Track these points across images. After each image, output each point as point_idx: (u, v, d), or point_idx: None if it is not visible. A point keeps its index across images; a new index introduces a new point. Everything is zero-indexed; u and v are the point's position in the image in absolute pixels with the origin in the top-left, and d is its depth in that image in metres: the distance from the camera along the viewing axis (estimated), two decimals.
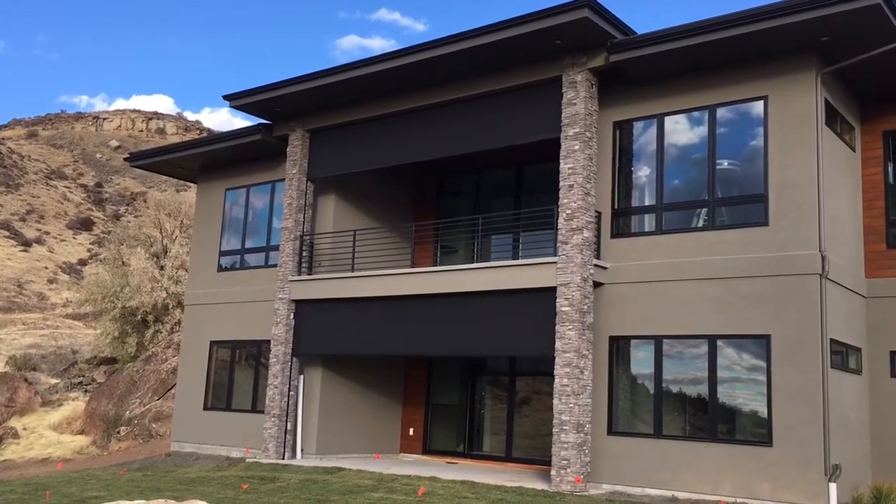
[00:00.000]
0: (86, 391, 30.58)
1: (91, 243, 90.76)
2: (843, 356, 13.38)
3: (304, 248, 18.57)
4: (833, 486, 11.97)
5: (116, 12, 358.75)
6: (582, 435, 13.77)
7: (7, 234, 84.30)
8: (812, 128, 12.91)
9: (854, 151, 14.66)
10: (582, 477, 13.52)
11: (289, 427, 17.93)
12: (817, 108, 12.92)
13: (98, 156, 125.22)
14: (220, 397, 20.33)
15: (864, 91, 14.57)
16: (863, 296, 14.28)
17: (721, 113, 13.92)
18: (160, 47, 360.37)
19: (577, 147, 14.41)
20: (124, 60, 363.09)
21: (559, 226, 14.37)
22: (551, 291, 14.25)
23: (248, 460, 17.61)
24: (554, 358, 14.07)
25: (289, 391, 18.03)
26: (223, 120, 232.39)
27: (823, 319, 12.41)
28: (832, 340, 12.74)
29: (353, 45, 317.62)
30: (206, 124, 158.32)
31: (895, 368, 14.03)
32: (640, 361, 14.21)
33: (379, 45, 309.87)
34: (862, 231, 14.59)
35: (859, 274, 14.29)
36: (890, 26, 12.11)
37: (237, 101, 18.44)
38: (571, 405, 13.73)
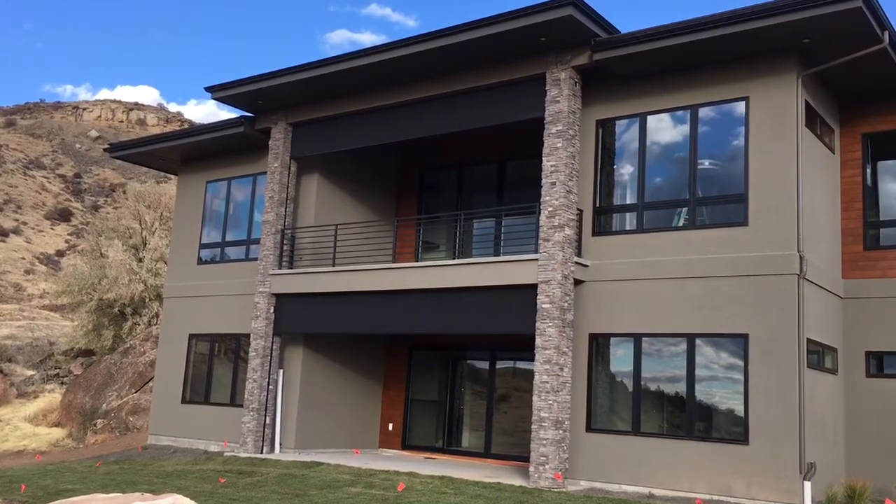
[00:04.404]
0: (62, 383, 30.31)
1: (69, 234, 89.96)
2: (819, 356, 13.51)
3: (285, 241, 18.50)
4: (808, 485, 12.10)
5: (105, 3, 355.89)
6: (561, 432, 13.82)
7: None
8: (792, 129, 13.01)
9: (833, 153, 14.80)
10: (560, 473, 13.57)
11: (267, 421, 17.87)
12: (798, 110, 13.03)
13: (77, 146, 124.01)
14: (198, 391, 20.23)
15: (843, 93, 14.70)
16: (839, 296, 14.42)
17: (703, 113, 14.01)
18: (148, 39, 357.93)
19: (559, 144, 14.45)
20: (111, 52, 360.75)
21: (541, 223, 14.40)
22: (532, 288, 14.28)
23: (226, 454, 17.52)
24: (534, 352, 14.12)
25: (268, 385, 17.96)
26: (209, 112, 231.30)
27: (801, 319, 12.52)
28: (809, 340, 12.87)
29: (343, 40, 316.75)
30: (188, 116, 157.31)
31: (870, 369, 14.19)
32: (620, 359, 14.28)
33: (369, 39, 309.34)
34: (840, 232, 14.73)
35: (836, 275, 14.43)
36: (870, 29, 12.23)
37: (220, 92, 18.32)
38: (551, 402, 13.77)
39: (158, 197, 36.42)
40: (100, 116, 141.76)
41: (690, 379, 13.34)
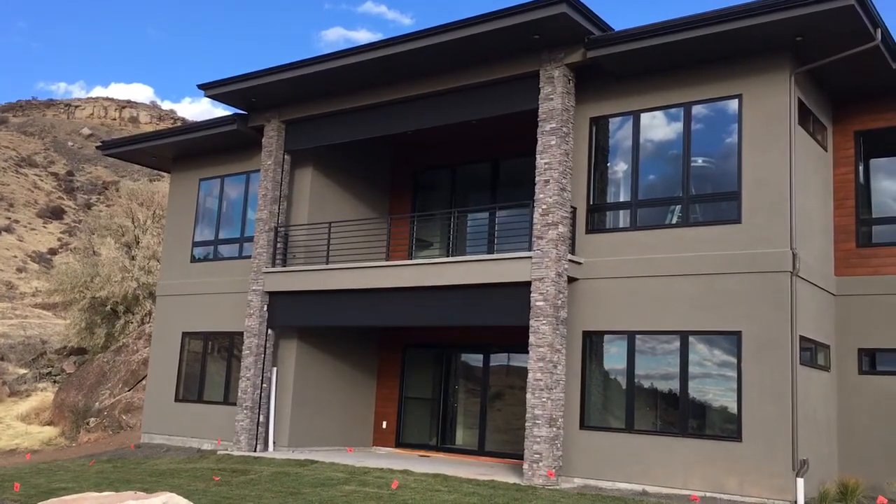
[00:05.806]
0: (55, 382, 30.22)
1: (61, 232, 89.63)
2: (812, 353, 13.55)
3: (278, 239, 18.47)
4: (800, 482, 12.13)
5: (100, 1, 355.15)
6: (554, 429, 13.84)
7: None
8: (785, 127, 13.04)
9: (826, 151, 14.84)
10: (554, 471, 13.59)
11: (261, 419, 17.84)
12: (790, 108, 13.05)
13: (70, 144, 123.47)
14: (191, 389, 20.19)
15: (836, 91, 14.74)
16: (832, 294, 14.46)
17: (696, 110, 14.02)
18: (143, 37, 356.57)
19: (553, 142, 14.45)
20: (105, 50, 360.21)
21: (534, 221, 14.40)
22: (526, 286, 14.28)
23: (219, 452, 17.49)
24: (528, 349, 14.12)
25: (261, 383, 17.93)
26: (203, 110, 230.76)
27: (793, 317, 12.56)
28: (802, 337, 12.90)
29: (339, 38, 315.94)
30: (182, 114, 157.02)
31: (863, 366, 14.24)
32: (613, 356, 14.30)
33: (364, 37, 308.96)
34: (832, 230, 14.77)
35: (829, 272, 14.47)
36: (863, 27, 12.26)
37: (213, 90, 18.27)
38: (544, 399, 13.78)
39: (151, 195, 36.34)
40: (92, 114, 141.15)
41: (684, 376, 13.36)
